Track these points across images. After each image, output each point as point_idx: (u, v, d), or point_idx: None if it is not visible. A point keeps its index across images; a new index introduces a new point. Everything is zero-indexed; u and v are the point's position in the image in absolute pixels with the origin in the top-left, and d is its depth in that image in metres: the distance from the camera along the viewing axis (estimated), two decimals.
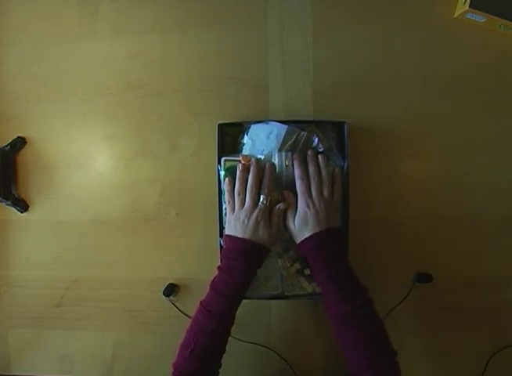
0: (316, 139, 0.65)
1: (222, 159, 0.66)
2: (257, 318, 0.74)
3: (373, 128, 0.71)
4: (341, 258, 0.60)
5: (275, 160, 0.64)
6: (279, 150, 0.64)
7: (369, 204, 0.71)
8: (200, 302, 0.61)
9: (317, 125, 0.67)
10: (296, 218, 0.61)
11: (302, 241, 0.60)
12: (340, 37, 0.71)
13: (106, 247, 0.76)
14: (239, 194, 0.63)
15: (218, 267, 0.62)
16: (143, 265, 0.76)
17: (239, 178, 0.63)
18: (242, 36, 0.72)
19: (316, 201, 0.60)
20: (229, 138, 0.71)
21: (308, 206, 0.60)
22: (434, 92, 0.70)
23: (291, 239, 0.64)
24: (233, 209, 0.63)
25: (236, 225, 0.62)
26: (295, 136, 0.65)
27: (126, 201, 0.75)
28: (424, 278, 0.71)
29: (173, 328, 0.75)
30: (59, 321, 0.78)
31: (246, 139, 0.67)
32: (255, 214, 0.61)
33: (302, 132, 0.65)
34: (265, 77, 0.72)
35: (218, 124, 0.67)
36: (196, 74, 0.73)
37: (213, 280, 0.62)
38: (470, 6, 0.64)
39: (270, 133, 0.65)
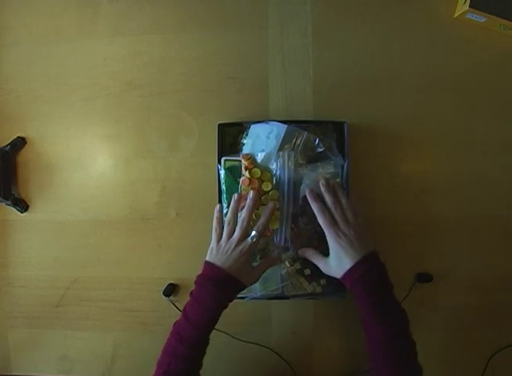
0: (316, 139, 0.65)
1: (222, 159, 0.66)
2: (257, 318, 0.74)
3: (373, 128, 0.71)
4: (387, 282, 0.58)
5: (277, 161, 0.64)
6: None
7: (369, 204, 0.71)
8: (174, 324, 0.60)
9: (317, 125, 0.67)
10: (331, 255, 0.59)
11: (345, 274, 0.57)
12: (340, 37, 0.71)
13: (106, 247, 0.76)
14: (229, 224, 0.60)
15: (190, 292, 0.60)
16: (143, 265, 0.76)
17: (232, 209, 0.61)
18: (242, 36, 0.72)
19: (346, 230, 0.58)
20: (229, 138, 0.71)
21: (339, 237, 0.57)
22: (434, 91, 0.70)
23: (291, 239, 0.64)
24: (219, 237, 0.61)
25: (217, 253, 0.60)
26: (295, 136, 0.65)
27: (126, 201, 0.75)
28: (424, 278, 0.71)
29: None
30: (59, 321, 0.78)
31: (246, 139, 0.67)
32: (241, 247, 0.58)
33: (302, 132, 0.65)
34: (265, 77, 0.72)
35: (218, 124, 0.67)
36: (196, 74, 0.73)
37: (185, 306, 0.60)
38: (470, 6, 0.64)
39: (270, 133, 0.65)
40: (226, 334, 0.73)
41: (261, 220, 0.60)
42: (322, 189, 0.61)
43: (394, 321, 0.56)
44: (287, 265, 0.65)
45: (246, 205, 0.60)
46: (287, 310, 0.74)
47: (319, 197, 0.61)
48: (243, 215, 0.60)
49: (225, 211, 0.67)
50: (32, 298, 0.79)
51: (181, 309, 0.74)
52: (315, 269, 0.65)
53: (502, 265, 0.71)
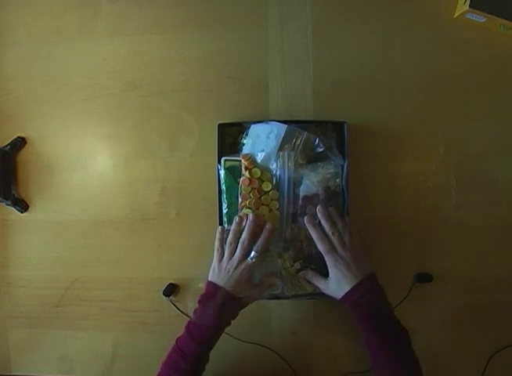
0: (316, 139, 0.65)
1: (222, 159, 0.66)
2: (257, 318, 0.74)
3: (373, 128, 0.71)
4: (385, 303, 0.61)
5: (277, 161, 0.64)
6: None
7: (369, 204, 0.71)
8: (176, 340, 0.62)
9: (317, 125, 0.67)
10: (330, 278, 0.62)
11: (344, 297, 0.60)
12: (340, 37, 0.71)
13: (106, 247, 0.76)
14: (230, 244, 0.63)
15: (194, 311, 0.62)
16: (143, 265, 0.76)
17: (233, 231, 0.63)
18: (242, 36, 0.72)
19: (343, 254, 0.60)
20: (229, 138, 0.71)
21: (337, 262, 0.60)
22: (434, 91, 0.70)
23: (291, 239, 0.64)
24: (221, 257, 0.63)
25: (220, 273, 0.62)
26: (295, 136, 0.65)
27: (126, 201, 0.75)
28: (424, 278, 0.71)
29: (173, 328, 0.75)
30: (59, 321, 0.78)
31: (246, 139, 0.67)
32: (242, 267, 0.61)
33: (302, 132, 0.65)
34: (265, 77, 0.72)
35: (218, 124, 0.67)
36: (196, 74, 0.73)
37: (189, 322, 0.62)
38: (470, 6, 0.64)
39: (270, 133, 0.65)
40: (226, 334, 0.73)
41: (260, 240, 0.62)
42: (319, 215, 0.63)
43: (396, 342, 0.58)
44: (287, 265, 0.65)
45: (247, 226, 0.62)
46: (287, 310, 0.74)
47: (317, 224, 0.63)
48: (243, 235, 0.62)
49: (224, 211, 0.67)
50: (32, 298, 0.79)
51: (181, 309, 0.74)
52: (316, 269, 0.65)
53: (503, 265, 0.71)
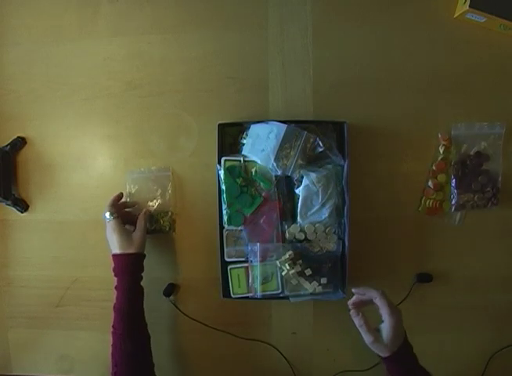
0: (316, 139, 0.65)
1: (222, 159, 0.66)
2: (257, 318, 0.74)
3: (373, 128, 0.71)
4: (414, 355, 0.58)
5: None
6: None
7: (369, 204, 0.71)
8: (112, 326, 0.65)
9: (317, 125, 0.67)
10: (390, 330, 0.55)
11: (398, 350, 0.55)
12: (339, 37, 0.71)
13: (106, 247, 0.76)
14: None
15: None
16: None
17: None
18: (242, 36, 0.72)
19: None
20: (229, 138, 0.71)
21: (398, 315, 0.55)
22: (434, 91, 0.70)
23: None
24: None
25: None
26: (295, 136, 0.65)
27: None
28: (424, 278, 0.71)
29: (173, 328, 0.75)
30: (59, 321, 0.78)
31: (246, 139, 0.67)
32: (107, 230, 0.68)
33: (302, 132, 0.65)
34: (265, 77, 0.72)
35: (218, 124, 0.67)
36: (196, 73, 0.73)
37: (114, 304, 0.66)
38: (470, 6, 0.64)
39: (270, 133, 0.65)
40: (228, 333, 0.73)
41: (108, 202, 0.69)
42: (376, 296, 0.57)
43: None
44: (287, 267, 0.65)
45: None
46: (287, 310, 0.74)
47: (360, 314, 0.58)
48: None
49: (224, 211, 0.67)
50: (32, 298, 0.79)
51: (181, 309, 0.74)
52: (316, 269, 0.65)
53: (503, 265, 0.71)
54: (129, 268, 0.66)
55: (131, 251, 0.66)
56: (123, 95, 0.74)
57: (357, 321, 0.57)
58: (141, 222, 0.69)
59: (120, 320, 0.64)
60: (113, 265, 0.67)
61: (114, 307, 0.65)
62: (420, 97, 0.70)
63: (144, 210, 0.72)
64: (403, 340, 0.56)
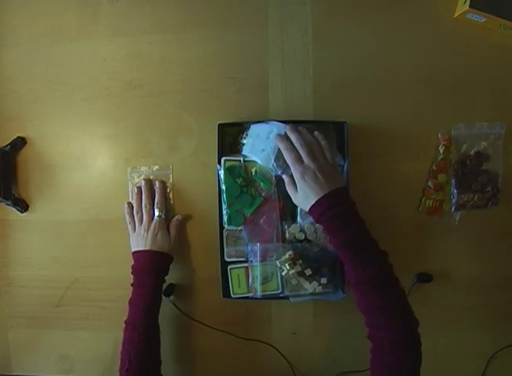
0: None
1: (222, 159, 0.66)
2: (258, 318, 0.74)
3: (373, 128, 0.71)
4: (355, 218, 0.57)
5: (277, 161, 0.64)
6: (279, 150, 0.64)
7: (369, 204, 0.71)
8: (125, 322, 0.65)
9: (317, 125, 0.67)
10: (298, 190, 0.59)
11: (310, 209, 0.58)
12: (339, 37, 0.71)
13: (106, 247, 0.76)
14: (137, 213, 0.70)
15: (131, 284, 0.67)
16: None
17: (135, 200, 0.71)
18: (242, 36, 0.72)
19: (311, 166, 0.58)
20: (229, 138, 0.71)
21: (303, 173, 0.58)
22: (434, 91, 0.70)
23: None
24: (134, 228, 0.70)
25: (138, 241, 0.69)
26: None
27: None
28: (424, 278, 0.71)
29: (173, 328, 0.75)
30: (59, 321, 0.78)
31: (246, 139, 0.67)
32: (152, 226, 0.68)
33: None
34: (265, 77, 0.72)
35: (218, 124, 0.67)
36: (196, 73, 0.73)
37: (130, 299, 0.66)
38: (470, 6, 0.64)
39: (270, 133, 0.65)
40: (228, 333, 0.73)
41: (157, 197, 0.70)
42: (287, 131, 0.61)
43: (371, 261, 0.55)
44: (287, 267, 0.65)
45: (142, 193, 0.71)
46: (287, 310, 0.74)
47: (287, 138, 0.61)
48: (143, 201, 0.70)
49: (224, 211, 0.67)
50: (32, 298, 0.78)
51: (181, 309, 0.74)
52: (316, 269, 0.65)
53: (503, 265, 0.71)
54: (161, 266, 0.68)
55: (167, 251, 0.68)
56: (123, 95, 0.74)
57: (287, 179, 0.62)
58: (176, 228, 0.70)
59: (142, 317, 0.64)
60: (137, 261, 0.67)
61: (134, 304, 0.65)
62: (420, 97, 0.70)
63: (176, 216, 0.72)
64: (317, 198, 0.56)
